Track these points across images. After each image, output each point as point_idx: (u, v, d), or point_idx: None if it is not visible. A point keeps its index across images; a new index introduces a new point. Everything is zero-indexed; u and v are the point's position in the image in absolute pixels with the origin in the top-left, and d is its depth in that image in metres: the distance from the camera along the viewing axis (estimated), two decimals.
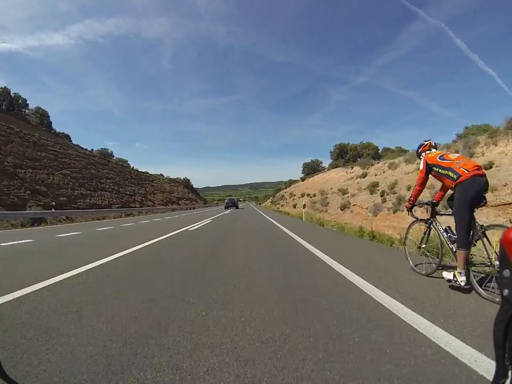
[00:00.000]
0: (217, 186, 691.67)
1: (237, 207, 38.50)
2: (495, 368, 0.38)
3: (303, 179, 42.37)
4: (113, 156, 51.46)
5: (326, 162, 45.73)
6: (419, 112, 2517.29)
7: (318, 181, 30.13)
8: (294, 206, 28.30)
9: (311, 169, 45.86)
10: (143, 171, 49.62)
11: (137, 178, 40.85)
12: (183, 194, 58.55)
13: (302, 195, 26.52)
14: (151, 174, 50.82)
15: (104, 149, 51.82)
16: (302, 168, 47.73)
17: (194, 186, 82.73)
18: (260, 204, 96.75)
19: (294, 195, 37.86)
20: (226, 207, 37.03)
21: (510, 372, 0.37)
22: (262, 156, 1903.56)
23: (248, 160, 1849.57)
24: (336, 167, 31.40)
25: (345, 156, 34.99)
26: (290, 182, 56.20)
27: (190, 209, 46.43)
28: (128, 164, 50.49)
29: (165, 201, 42.34)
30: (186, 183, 74.02)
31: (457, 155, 3.02)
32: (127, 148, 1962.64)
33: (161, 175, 63.78)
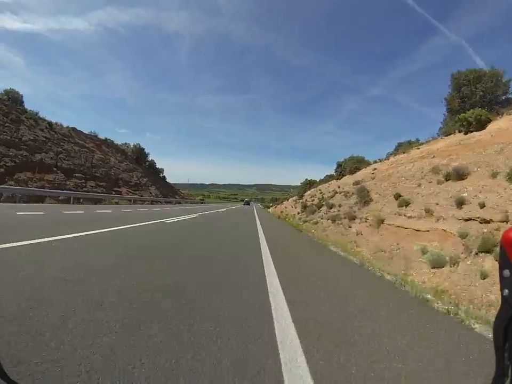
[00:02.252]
0: (224, 184, 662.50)
1: (249, 204, 67.11)
2: (495, 368, 0.37)
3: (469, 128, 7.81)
4: None
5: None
6: (433, 129, 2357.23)
7: None
8: None
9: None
10: None
11: None
12: (96, 169, 25.14)
13: None
14: None
15: None
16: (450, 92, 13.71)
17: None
18: (268, 207, 59.32)
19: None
20: (244, 204, 64.50)
21: (510, 371, 0.36)
22: (272, 158, 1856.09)
23: (257, 161, 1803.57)
24: None
25: None
26: (357, 161, 22.50)
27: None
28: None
29: None
30: (137, 152, 40.13)
31: None
32: (137, 137, 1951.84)
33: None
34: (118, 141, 36.18)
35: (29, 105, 23.47)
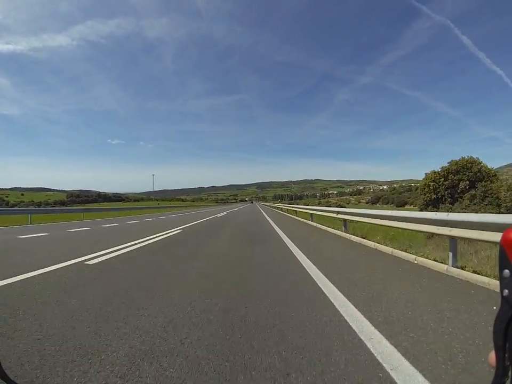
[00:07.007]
0: (223, 186, 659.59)
1: (253, 202, 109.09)
2: (495, 368, 0.39)
3: None
4: None
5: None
6: (425, 111, 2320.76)
7: None
8: None
9: None
10: None
11: None
12: None
13: None
14: None
15: None
16: None
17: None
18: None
19: None
20: (251, 203, 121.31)
21: (510, 372, 0.38)
22: (269, 156, 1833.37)
23: (254, 160, 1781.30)
24: None
25: None
26: None
27: None
28: None
29: None
30: None
31: None
32: (131, 147, 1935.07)
33: None
34: None
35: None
